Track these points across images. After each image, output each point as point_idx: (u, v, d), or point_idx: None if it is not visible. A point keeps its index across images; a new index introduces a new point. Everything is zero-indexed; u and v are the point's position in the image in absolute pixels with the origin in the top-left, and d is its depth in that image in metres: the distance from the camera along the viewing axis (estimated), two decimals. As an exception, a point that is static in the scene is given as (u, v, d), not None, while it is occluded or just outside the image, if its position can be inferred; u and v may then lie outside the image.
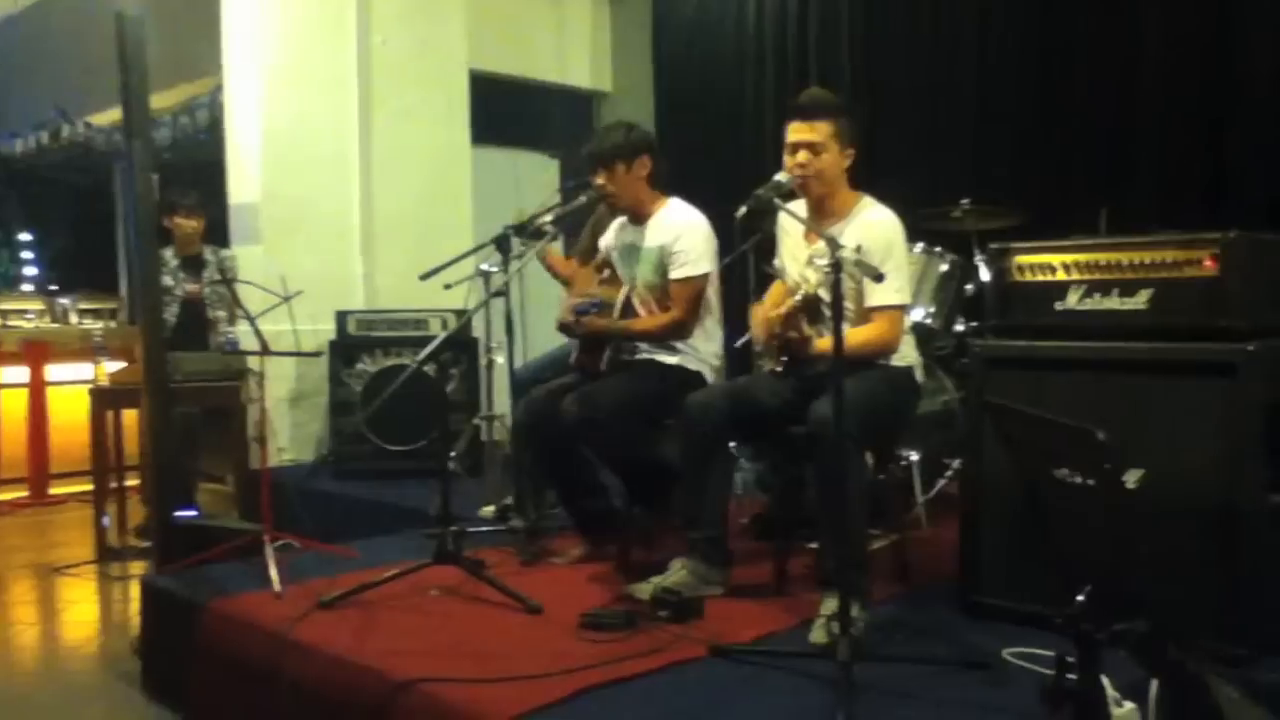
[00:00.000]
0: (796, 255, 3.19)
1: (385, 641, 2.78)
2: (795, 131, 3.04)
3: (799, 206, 3.11)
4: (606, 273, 3.75)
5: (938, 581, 3.17)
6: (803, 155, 3.01)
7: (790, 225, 3.20)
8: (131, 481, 5.31)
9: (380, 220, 6.19)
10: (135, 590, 3.76)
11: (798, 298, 2.86)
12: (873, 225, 3.01)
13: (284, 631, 2.87)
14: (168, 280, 5.10)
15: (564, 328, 3.68)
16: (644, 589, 2.98)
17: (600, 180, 3.55)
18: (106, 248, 9.17)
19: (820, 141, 3.00)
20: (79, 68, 7.84)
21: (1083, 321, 2.79)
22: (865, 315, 3.02)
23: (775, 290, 3.33)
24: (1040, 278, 2.88)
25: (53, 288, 8.39)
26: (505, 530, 3.91)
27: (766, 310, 3.12)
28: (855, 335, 2.97)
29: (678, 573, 3.02)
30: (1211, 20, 4.48)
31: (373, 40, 6.14)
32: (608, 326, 3.54)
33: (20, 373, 6.60)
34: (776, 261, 3.33)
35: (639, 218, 3.62)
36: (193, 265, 5.35)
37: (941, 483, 4.13)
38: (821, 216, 3.07)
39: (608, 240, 3.79)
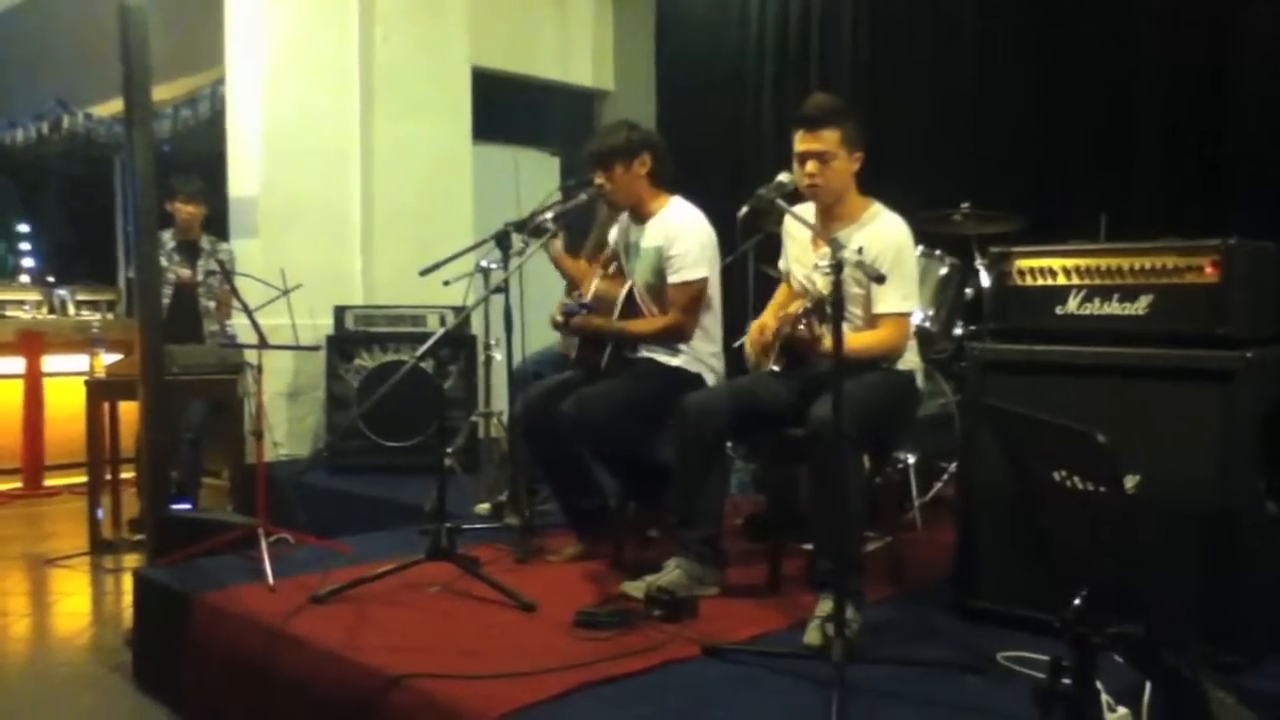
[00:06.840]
0: (801, 259, 3.18)
1: (378, 637, 2.77)
2: (802, 142, 2.99)
3: (807, 210, 3.08)
4: (613, 268, 3.75)
5: (932, 584, 3.17)
6: (812, 166, 2.97)
7: (795, 229, 3.19)
8: (126, 474, 5.30)
9: (380, 216, 6.18)
10: (128, 583, 3.75)
11: (809, 302, 2.85)
12: (882, 232, 3.01)
13: (277, 625, 2.86)
14: (162, 261, 5.07)
15: (558, 326, 3.70)
16: (637, 587, 2.98)
17: (599, 180, 3.55)
18: (105, 239, 9.14)
19: (828, 150, 2.96)
20: (81, 59, 7.82)
21: (1082, 326, 2.79)
22: (872, 321, 3.01)
23: (780, 294, 3.32)
24: (1040, 282, 2.87)
25: (50, 279, 8.34)
26: (500, 527, 3.91)
27: (770, 315, 3.11)
28: (860, 339, 2.96)
29: (672, 572, 3.01)
30: (1210, 25, 4.47)
31: (375, 35, 6.13)
32: (604, 327, 3.53)
33: (16, 363, 6.59)
34: (781, 264, 3.32)
35: (640, 216, 3.61)
36: (189, 251, 5.34)
37: (937, 486, 4.14)
38: (830, 221, 3.06)
39: (614, 236, 3.80)
